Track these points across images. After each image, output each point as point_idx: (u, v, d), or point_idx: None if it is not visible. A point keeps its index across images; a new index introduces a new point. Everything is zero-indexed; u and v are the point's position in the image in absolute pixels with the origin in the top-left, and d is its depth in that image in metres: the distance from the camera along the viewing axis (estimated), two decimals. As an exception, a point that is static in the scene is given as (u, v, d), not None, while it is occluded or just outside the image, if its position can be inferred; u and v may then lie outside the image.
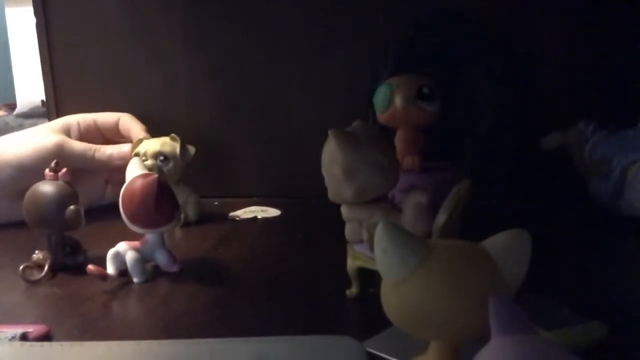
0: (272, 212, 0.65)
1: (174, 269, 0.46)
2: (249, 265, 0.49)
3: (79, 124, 0.66)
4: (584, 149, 0.61)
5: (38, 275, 0.45)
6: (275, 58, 0.70)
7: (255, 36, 0.70)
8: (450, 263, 0.25)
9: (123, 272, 0.45)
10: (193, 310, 0.40)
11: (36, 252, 0.47)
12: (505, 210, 0.60)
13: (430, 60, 0.64)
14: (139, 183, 0.44)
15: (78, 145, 0.63)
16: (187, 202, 0.61)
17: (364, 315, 0.39)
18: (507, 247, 0.25)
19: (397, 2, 0.67)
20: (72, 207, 0.45)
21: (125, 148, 0.64)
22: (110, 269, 0.44)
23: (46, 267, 0.45)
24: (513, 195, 0.64)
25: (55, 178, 0.46)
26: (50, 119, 0.71)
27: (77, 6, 0.72)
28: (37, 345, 0.33)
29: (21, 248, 0.50)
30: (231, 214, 0.65)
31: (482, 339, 0.21)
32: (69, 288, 0.44)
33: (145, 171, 0.46)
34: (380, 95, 0.52)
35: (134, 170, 0.46)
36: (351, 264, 0.40)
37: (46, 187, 0.46)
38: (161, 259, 0.46)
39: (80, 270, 0.45)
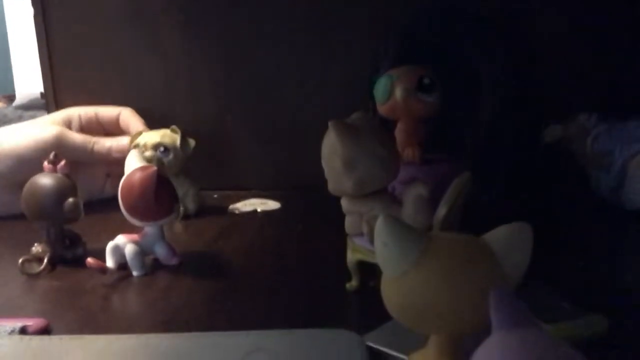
0: (272, 204, 0.65)
1: (174, 262, 0.46)
2: (249, 258, 0.49)
3: (80, 117, 0.66)
4: (585, 142, 0.61)
5: (37, 268, 0.45)
6: (275, 50, 0.70)
7: (255, 28, 0.70)
8: (450, 256, 0.25)
9: (122, 265, 0.45)
10: (192, 303, 0.40)
11: (35, 245, 0.47)
12: (505, 203, 0.60)
13: (431, 51, 0.63)
14: (138, 175, 0.43)
15: (77, 138, 0.63)
16: (187, 194, 0.60)
17: (364, 308, 0.39)
18: (508, 240, 0.25)
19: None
20: (71, 199, 0.45)
21: (124, 141, 0.64)
22: (110, 262, 0.44)
23: (45, 260, 0.45)
24: (514, 188, 0.64)
25: (54, 170, 0.46)
26: (49, 111, 0.71)
27: (75, -3, 0.71)
28: (37, 338, 0.33)
29: (20, 241, 0.50)
30: (231, 206, 0.65)
31: (483, 333, 0.21)
32: (68, 281, 0.44)
33: (145, 163, 0.46)
34: (380, 87, 0.52)
35: (133, 163, 0.45)
36: (351, 257, 0.40)
37: (45, 180, 0.45)
38: (160, 252, 0.46)
39: (79, 263, 0.45)
